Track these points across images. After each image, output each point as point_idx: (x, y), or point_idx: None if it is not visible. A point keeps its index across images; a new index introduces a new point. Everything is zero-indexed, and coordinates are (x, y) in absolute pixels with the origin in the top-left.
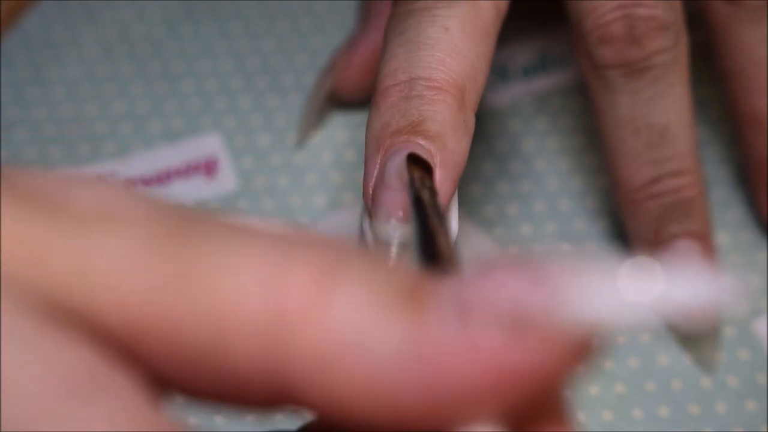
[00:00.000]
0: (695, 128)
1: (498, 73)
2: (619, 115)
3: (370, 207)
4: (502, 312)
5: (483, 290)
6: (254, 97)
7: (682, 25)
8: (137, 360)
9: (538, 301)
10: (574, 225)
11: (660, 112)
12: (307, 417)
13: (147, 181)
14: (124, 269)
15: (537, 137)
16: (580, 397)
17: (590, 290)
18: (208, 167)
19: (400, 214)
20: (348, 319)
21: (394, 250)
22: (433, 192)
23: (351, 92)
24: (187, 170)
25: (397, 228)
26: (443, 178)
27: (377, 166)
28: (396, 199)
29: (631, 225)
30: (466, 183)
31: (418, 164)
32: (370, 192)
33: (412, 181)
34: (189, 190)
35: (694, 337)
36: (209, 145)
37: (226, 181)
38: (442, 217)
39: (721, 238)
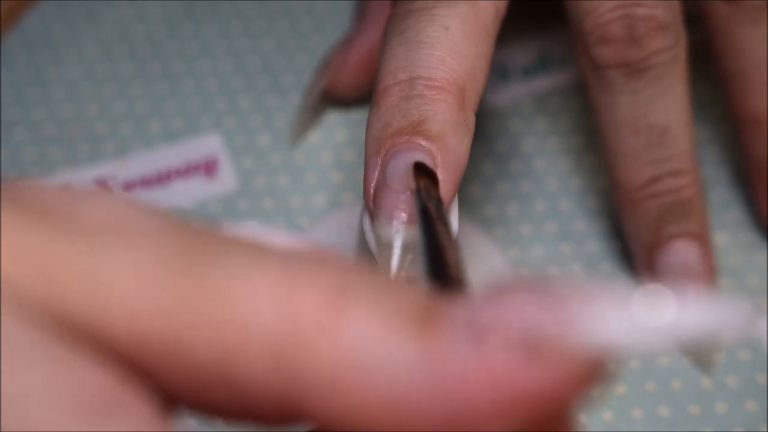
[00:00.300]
0: (693, 128)
1: (498, 73)
2: (619, 115)
3: (372, 208)
4: (514, 334)
5: (495, 312)
6: (254, 97)
7: (681, 25)
8: (148, 376)
9: (551, 324)
10: (574, 225)
11: (660, 112)
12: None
13: (147, 181)
14: (134, 286)
15: (537, 137)
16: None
17: (603, 314)
18: (208, 167)
19: (403, 215)
20: (361, 339)
21: (396, 252)
22: (439, 202)
23: (346, 90)
24: (187, 170)
25: (399, 230)
26: (445, 179)
27: (378, 166)
28: (398, 201)
29: (629, 225)
30: (466, 183)
31: (424, 173)
32: (371, 193)
33: (418, 191)
34: (189, 190)
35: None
36: (209, 145)
37: (226, 181)
38: (449, 227)
39: (721, 238)
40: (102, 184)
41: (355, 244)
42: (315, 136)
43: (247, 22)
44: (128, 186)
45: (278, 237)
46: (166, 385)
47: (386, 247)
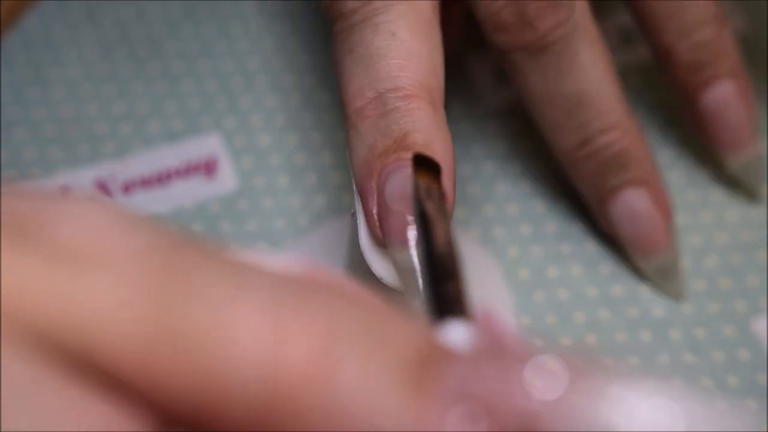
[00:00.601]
0: (616, 83)
1: (497, 73)
2: (535, 92)
3: (380, 235)
4: (508, 413)
5: (495, 387)
6: (254, 97)
7: None
8: (146, 401)
9: (551, 408)
10: (574, 225)
11: (571, 82)
12: None
13: (147, 181)
14: (117, 316)
15: (537, 137)
16: None
17: (605, 399)
18: (208, 167)
19: (415, 239)
20: (352, 392)
21: (418, 275)
22: (441, 198)
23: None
24: (187, 170)
25: (415, 252)
26: (446, 187)
27: (374, 192)
28: (406, 223)
29: (578, 187)
30: (466, 183)
31: (423, 167)
32: (376, 220)
33: (417, 190)
34: (189, 190)
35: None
36: (209, 145)
37: (226, 181)
38: (449, 225)
39: (721, 237)
40: (102, 184)
41: (343, 262)
42: (315, 137)
43: (247, 22)
44: (128, 186)
45: (271, 259)
46: (164, 411)
47: (408, 271)
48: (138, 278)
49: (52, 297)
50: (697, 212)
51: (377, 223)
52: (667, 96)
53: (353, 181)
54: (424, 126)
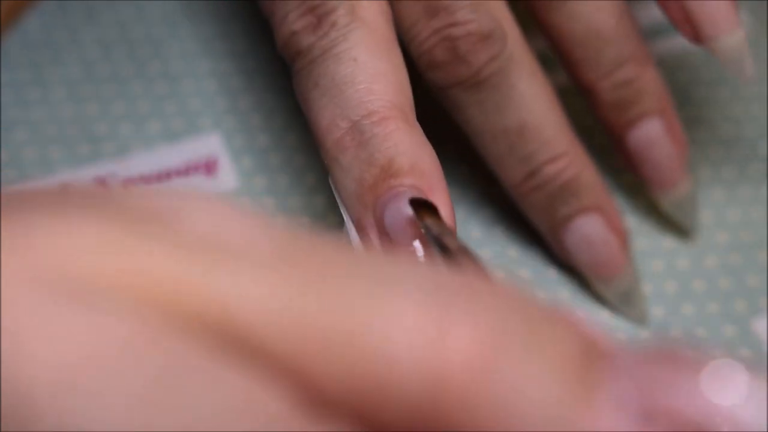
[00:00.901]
0: (559, 110)
1: None
2: (476, 127)
3: None
4: (684, 415)
5: (665, 384)
6: (254, 97)
7: (506, 24)
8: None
9: (728, 410)
10: None
11: (511, 114)
12: None
13: (147, 181)
14: (266, 306)
15: None
16: None
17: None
18: (208, 167)
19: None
20: (518, 386)
21: None
22: (452, 233)
23: None
24: (187, 170)
25: None
26: (440, 202)
27: (373, 226)
28: (413, 254)
29: (531, 220)
30: (466, 183)
31: (423, 208)
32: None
33: (429, 231)
34: None
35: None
36: (209, 144)
37: (226, 181)
38: (471, 253)
39: (721, 237)
40: (102, 184)
41: None
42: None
43: (247, 22)
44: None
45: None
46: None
47: None
48: (282, 269)
49: (199, 286)
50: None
51: None
52: None
53: (343, 212)
54: (406, 147)
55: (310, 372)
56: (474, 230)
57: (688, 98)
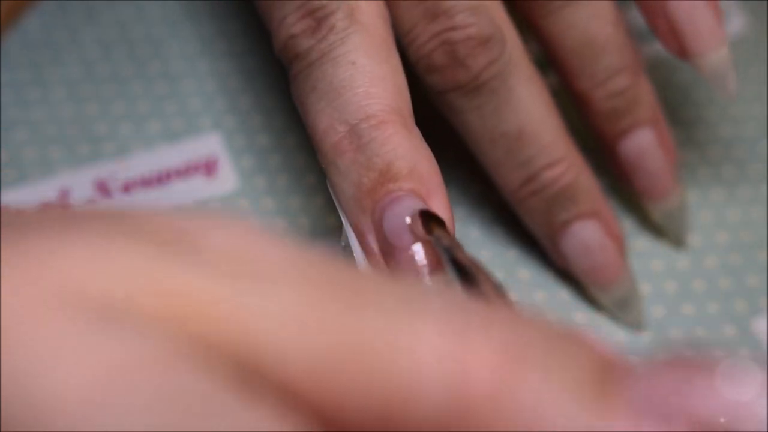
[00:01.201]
0: (556, 115)
1: None
2: (474, 132)
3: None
4: (694, 416)
5: (681, 391)
6: (254, 97)
7: (505, 28)
8: (312, 411)
9: (745, 410)
10: None
11: (509, 119)
12: None
13: (147, 181)
14: (288, 328)
15: None
16: None
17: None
18: (208, 167)
19: (426, 267)
20: (538, 405)
21: None
22: (461, 247)
23: None
24: (187, 170)
25: (433, 283)
26: (439, 205)
27: (372, 230)
28: (412, 256)
29: (528, 225)
30: (466, 184)
31: (429, 219)
32: (379, 258)
33: (439, 243)
34: (189, 190)
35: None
36: (209, 145)
37: (226, 181)
38: (482, 269)
39: (721, 237)
40: (102, 184)
41: None
42: None
43: (246, 22)
44: (128, 186)
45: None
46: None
47: None
48: (304, 290)
49: (219, 308)
50: (697, 212)
51: (381, 260)
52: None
53: (342, 215)
54: (405, 151)
55: (329, 393)
56: (474, 230)
57: (688, 98)
